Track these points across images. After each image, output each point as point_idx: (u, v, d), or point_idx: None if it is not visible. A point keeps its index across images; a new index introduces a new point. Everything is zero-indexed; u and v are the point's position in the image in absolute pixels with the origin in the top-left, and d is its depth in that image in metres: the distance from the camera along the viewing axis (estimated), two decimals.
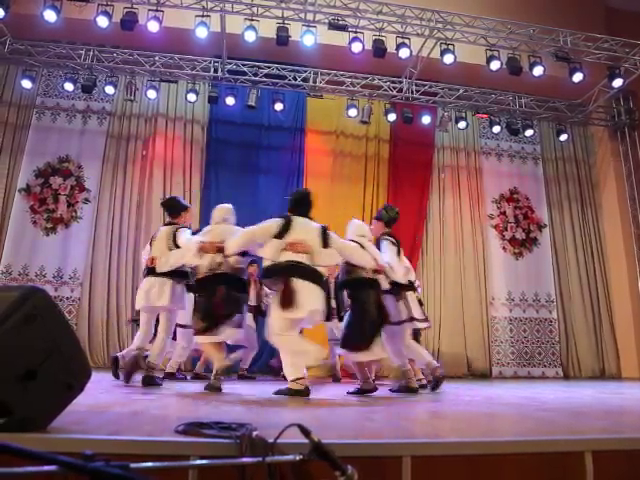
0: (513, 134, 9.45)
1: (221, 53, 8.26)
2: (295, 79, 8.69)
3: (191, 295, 4.63)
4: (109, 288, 7.85)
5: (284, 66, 8.61)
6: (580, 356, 8.95)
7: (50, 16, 6.89)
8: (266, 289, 5.70)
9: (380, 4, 7.43)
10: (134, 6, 7.05)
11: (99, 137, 8.54)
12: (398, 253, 4.62)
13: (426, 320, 4.87)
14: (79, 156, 8.41)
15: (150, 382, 4.27)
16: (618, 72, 7.95)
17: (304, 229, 3.94)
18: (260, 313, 6.25)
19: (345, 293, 4.54)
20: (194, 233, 4.65)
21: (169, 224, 4.80)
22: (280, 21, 7.32)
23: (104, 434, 1.72)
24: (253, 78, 8.56)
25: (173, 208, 4.88)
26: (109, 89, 8.25)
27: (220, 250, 4.06)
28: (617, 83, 8.02)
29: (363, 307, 4.17)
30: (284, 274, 3.74)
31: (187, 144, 8.70)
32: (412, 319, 4.57)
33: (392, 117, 8.88)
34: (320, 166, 9.04)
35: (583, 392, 5.11)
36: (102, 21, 6.97)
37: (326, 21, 7.25)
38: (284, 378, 4.23)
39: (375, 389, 4.22)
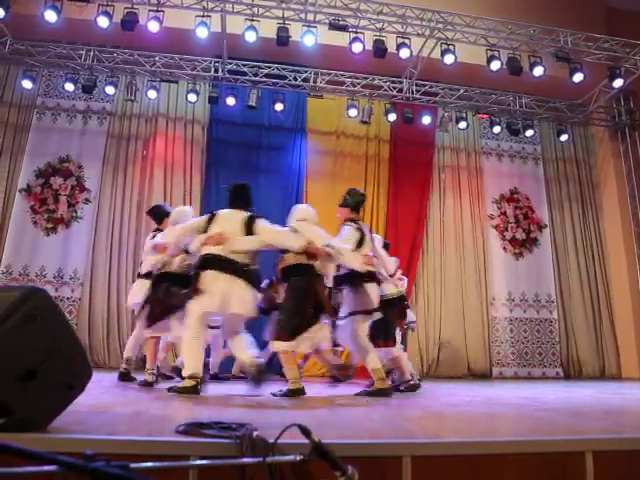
0: (513, 134, 9.45)
1: (221, 53, 8.26)
2: (295, 79, 8.69)
3: None
4: (110, 288, 7.84)
5: (284, 66, 8.60)
6: (580, 356, 8.95)
7: (51, 16, 6.89)
8: None
9: (380, 4, 7.43)
10: (134, 6, 7.05)
11: (99, 137, 8.54)
12: (362, 240, 4.30)
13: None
14: (79, 156, 8.41)
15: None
16: (618, 72, 7.94)
17: (227, 221, 4.01)
18: None
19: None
20: None
21: (155, 230, 5.22)
22: (280, 21, 7.31)
23: (104, 434, 1.72)
24: (253, 78, 8.56)
25: (156, 215, 5.32)
26: (109, 89, 8.25)
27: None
28: (617, 83, 8.02)
29: (292, 295, 4.08)
30: (197, 267, 3.89)
31: (187, 144, 8.70)
32: (366, 312, 4.23)
33: (392, 117, 8.88)
34: (320, 166, 9.04)
35: (583, 392, 5.11)
36: (102, 21, 6.97)
37: (326, 21, 7.25)
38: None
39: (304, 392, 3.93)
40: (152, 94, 8.41)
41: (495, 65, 7.68)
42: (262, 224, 4.00)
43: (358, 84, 8.85)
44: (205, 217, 4.12)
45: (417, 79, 8.81)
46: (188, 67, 8.48)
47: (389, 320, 4.72)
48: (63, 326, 1.79)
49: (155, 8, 7.07)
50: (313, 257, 4.08)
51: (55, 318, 1.76)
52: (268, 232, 3.97)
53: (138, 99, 8.47)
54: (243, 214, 4.05)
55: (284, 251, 4.18)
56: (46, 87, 8.63)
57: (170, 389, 3.81)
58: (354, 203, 4.55)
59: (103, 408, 2.63)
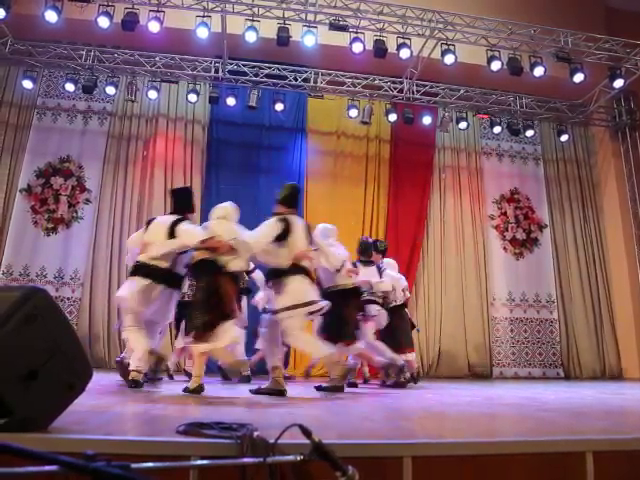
0: (514, 134, 9.45)
1: (222, 53, 8.26)
2: (296, 79, 8.69)
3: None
4: (110, 288, 7.83)
5: (285, 66, 8.61)
6: (581, 357, 8.94)
7: (51, 16, 6.89)
8: None
9: (381, 4, 7.43)
10: (135, 6, 7.05)
11: (100, 137, 8.54)
12: (285, 233, 4.06)
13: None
14: (80, 156, 8.42)
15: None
16: (619, 72, 7.94)
17: (156, 227, 4.31)
18: None
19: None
20: None
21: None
22: (281, 21, 7.31)
23: (105, 434, 1.72)
24: (254, 78, 8.56)
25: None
26: (110, 89, 8.25)
27: None
28: (618, 83, 8.02)
29: (195, 291, 4.13)
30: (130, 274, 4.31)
31: (188, 144, 8.70)
32: (275, 311, 4.04)
33: (393, 117, 8.88)
34: (321, 166, 9.04)
35: (584, 392, 5.11)
36: (103, 21, 6.98)
37: (327, 21, 7.26)
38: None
39: (202, 390, 3.80)
40: (152, 94, 8.41)
41: (495, 65, 7.68)
42: (183, 227, 4.18)
43: (358, 84, 8.85)
44: (145, 227, 4.51)
45: (417, 79, 8.81)
46: (188, 67, 8.48)
47: (342, 314, 4.57)
48: (64, 326, 1.79)
49: (155, 8, 7.07)
50: (212, 251, 3.96)
51: (56, 318, 1.76)
52: (183, 233, 4.14)
53: (138, 99, 8.48)
54: (171, 219, 4.25)
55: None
56: (46, 87, 8.64)
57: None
58: (282, 197, 4.37)
59: (104, 408, 2.63)
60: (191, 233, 4.12)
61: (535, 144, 10.05)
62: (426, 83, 8.93)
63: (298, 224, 4.24)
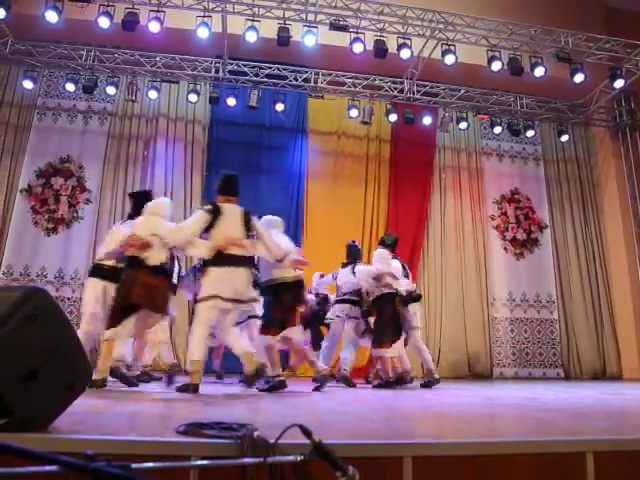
0: (514, 135, 9.45)
1: (222, 53, 8.26)
2: (296, 79, 8.69)
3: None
4: None
5: (285, 66, 8.61)
6: (581, 357, 8.94)
7: (51, 17, 6.90)
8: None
9: (381, 5, 7.43)
10: (135, 7, 7.06)
11: (100, 137, 8.55)
12: (214, 223, 4.03)
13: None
14: (80, 156, 8.42)
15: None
16: (619, 73, 7.95)
17: (115, 229, 4.86)
18: None
19: None
20: None
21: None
22: (281, 21, 7.32)
23: (105, 434, 1.72)
24: (254, 78, 8.56)
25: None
26: (110, 89, 8.26)
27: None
28: (618, 84, 8.02)
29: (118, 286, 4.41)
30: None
31: (188, 145, 8.70)
32: (207, 298, 3.96)
33: (393, 118, 8.89)
34: (321, 166, 9.04)
35: (584, 393, 5.10)
36: (103, 22, 6.98)
37: (327, 22, 7.26)
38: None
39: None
40: (153, 94, 8.41)
41: (496, 65, 7.68)
42: (113, 228, 4.83)
43: (359, 84, 8.86)
44: None
45: (418, 79, 8.81)
46: (189, 67, 8.49)
47: (281, 305, 4.49)
48: (64, 326, 1.79)
49: (156, 8, 7.08)
50: (137, 249, 4.18)
51: (56, 318, 1.76)
52: (110, 235, 4.78)
53: (139, 99, 8.48)
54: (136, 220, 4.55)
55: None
56: (47, 87, 8.64)
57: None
58: (217, 186, 4.38)
59: (103, 408, 2.63)
60: (117, 234, 4.64)
61: (535, 144, 10.05)
62: (426, 83, 8.93)
63: (232, 212, 4.18)
